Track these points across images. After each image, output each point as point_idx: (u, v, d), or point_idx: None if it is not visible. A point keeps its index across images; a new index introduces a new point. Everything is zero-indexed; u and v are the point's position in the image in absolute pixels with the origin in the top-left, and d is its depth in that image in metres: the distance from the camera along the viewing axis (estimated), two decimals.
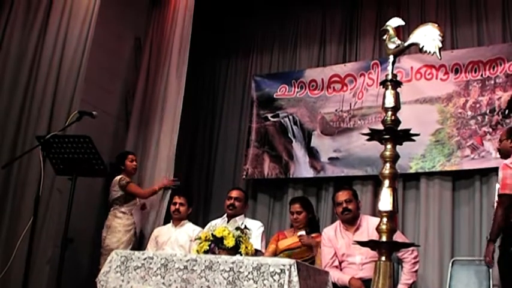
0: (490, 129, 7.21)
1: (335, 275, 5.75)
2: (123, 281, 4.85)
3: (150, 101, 8.28)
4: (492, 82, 7.36)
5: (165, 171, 7.84)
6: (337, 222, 6.29)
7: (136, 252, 4.99)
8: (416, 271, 5.93)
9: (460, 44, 7.88)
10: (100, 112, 6.38)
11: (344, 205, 6.07)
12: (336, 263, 6.01)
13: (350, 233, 6.05)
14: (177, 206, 7.07)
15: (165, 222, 7.47)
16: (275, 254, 6.40)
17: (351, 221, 6.11)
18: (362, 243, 3.48)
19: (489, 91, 7.35)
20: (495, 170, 7.02)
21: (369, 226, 5.93)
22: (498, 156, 6.46)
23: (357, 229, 6.06)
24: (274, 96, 8.81)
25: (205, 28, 9.08)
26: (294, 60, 9.13)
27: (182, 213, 7.07)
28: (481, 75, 7.43)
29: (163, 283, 4.67)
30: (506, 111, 7.15)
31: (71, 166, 5.56)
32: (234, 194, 6.99)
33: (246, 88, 9.37)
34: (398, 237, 5.51)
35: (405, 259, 5.88)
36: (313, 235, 6.38)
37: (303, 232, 6.37)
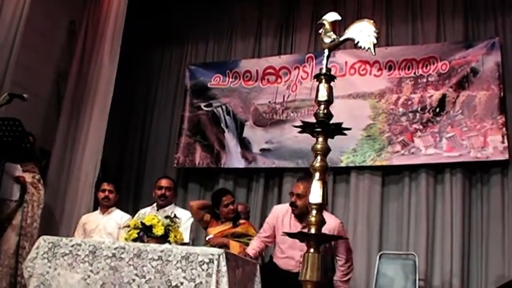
0: (421, 126, 7.33)
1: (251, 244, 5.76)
2: (50, 267, 4.78)
3: (82, 86, 8.12)
4: (424, 80, 7.49)
5: (94, 157, 7.73)
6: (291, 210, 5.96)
7: (64, 239, 4.91)
8: (347, 280, 5.71)
9: (395, 42, 8.00)
10: (31, 95, 6.23)
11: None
12: (266, 239, 5.85)
13: (299, 225, 5.70)
14: (106, 193, 6.95)
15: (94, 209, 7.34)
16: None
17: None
18: (290, 235, 3.50)
19: (421, 89, 7.48)
20: (424, 166, 7.20)
21: None
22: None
23: None
24: (208, 85, 8.80)
25: (140, 16, 8.98)
26: (229, 50, 9.12)
27: (111, 200, 6.97)
28: (414, 73, 7.57)
29: (91, 270, 4.61)
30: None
31: None
32: (164, 183, 6.74)
33: (180, 77, 9.32)
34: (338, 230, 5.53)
35: (339, 263, 5.70)
36: (240, 221, 6.39)
37: (211, 236, 6.31)
